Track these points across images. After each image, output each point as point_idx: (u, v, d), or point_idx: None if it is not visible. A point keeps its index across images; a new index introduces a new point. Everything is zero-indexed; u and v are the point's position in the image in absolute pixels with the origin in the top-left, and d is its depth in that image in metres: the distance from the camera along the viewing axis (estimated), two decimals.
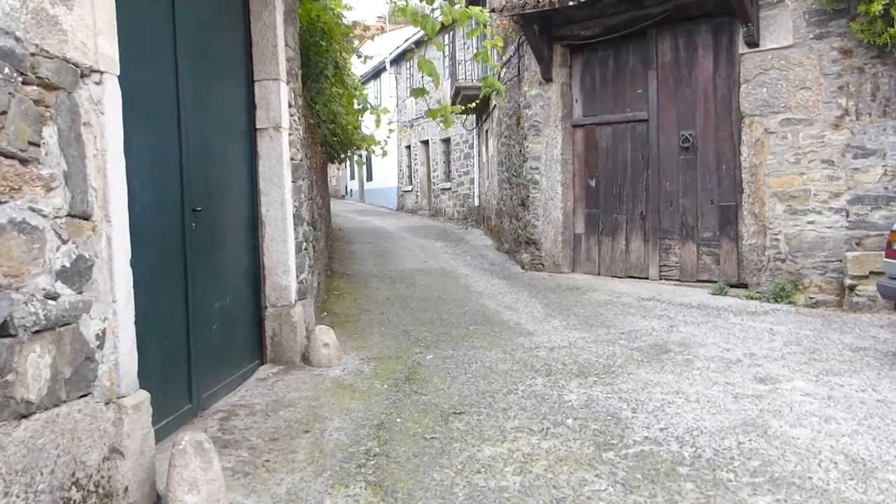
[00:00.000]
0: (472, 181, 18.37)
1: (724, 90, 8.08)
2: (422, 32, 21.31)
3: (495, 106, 13.59)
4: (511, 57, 11.34)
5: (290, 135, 5.36)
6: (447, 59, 18.98)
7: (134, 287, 2.83)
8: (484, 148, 16.43)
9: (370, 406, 4.23)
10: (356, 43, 9.46)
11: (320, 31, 6.74)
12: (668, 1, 8.31)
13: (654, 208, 8.84)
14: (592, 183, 9.63)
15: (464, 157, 19.20)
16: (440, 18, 6.24)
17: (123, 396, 2.72)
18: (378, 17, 33.33)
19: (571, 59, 9.73)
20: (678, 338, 5.89)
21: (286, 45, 5.33)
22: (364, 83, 31.51)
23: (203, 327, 4.16)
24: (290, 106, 5.44)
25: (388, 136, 12.68)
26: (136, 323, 2.84)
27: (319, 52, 6.97)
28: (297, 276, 5.49)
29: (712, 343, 5.66)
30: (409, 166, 25.24)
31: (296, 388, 4.63)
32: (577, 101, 9.75)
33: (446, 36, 18.63)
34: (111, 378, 2.67)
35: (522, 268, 10.29)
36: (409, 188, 25.25)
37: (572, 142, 9.82)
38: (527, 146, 10.06)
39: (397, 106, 26.09)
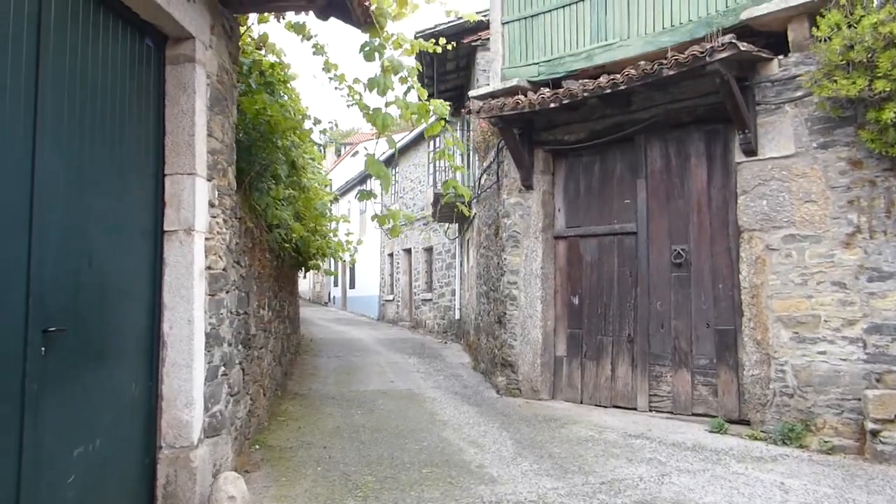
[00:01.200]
0: (453, 293, 17.60)
1: (720, 201, 7.42)
2: (410, 136, 21.14)
3: (475, 215, 12.98)
4: (491, 163, 10.79)
5: (208, 239, 4.57)
6: (431, 164, 18.60)
7: None
8: (465, 258, 15.76)
9: None
10: (323, 140, 8.84)
11: (264, 125, 6.07)
12: (657, 106, 7.78)
13: (643, 330, 8.00)
14: (575, 300, 8.83)
15: (446, 268, 18.51)
16: (397, 113, 5.60)
17: None
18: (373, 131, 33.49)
19: (554, 164, 9.14)
20: (671, 493, 4.91)
21: (210, 135, 4.62)
22: (350, 188, 31.35)
23: (48, 482, 3.21)
24: (211, 206, 4.67)
25: (357, 244, 11.96)
26: None
27: (266, 149, 6.29)
28: (208, 409, 4.56)
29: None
30: (392, 275, 24.54)
31: None
32: (559, 210, 9.10)
33: (431, 143, 18.33)
34: None
35: (497, 392, 9.33)
36: (391, 297, 24.44)
37: (554, 255, 9.09)
38: (505, 258, 9.32)
39: (381, 212, 25.65)
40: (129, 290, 4.01)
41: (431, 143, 17.81)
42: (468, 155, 15.44)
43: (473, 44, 12.29)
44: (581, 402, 8.59)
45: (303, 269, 12.16)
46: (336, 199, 12.26)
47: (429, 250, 20.39)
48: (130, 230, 4.04)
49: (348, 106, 5.89)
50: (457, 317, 17.05)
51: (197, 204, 4.36)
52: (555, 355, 8.99)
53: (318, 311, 30.56)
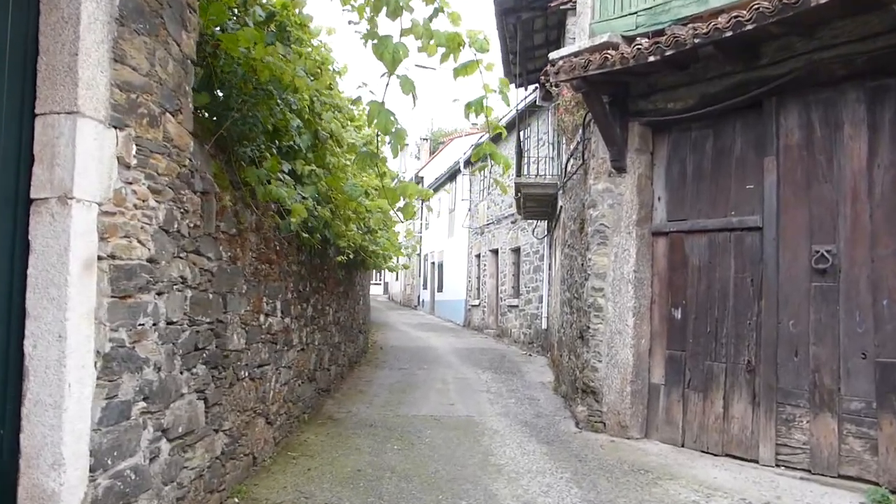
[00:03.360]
0: (540, 299, 15.84)
1: (888, 186, 5.44)
2: (490, 136, 19.53)
3: (562, 208, 11.22)
4: (577, 144, 9.04)
5: (109, 214, 3.11)
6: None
7: None
8: (553, 260, 13.98)
9: None
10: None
11: (259, 73, 4.58)
12: (796, 56, 5.86)
13: (768, 357, 6.09)
14: (677, 314, 6.98)
15: (533, 271, 16.77)
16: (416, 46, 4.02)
17: None
18: (472, 123, 32.16)
19: (654, 141, 7.32)
20: None
21: (121, 61, 3.17)
22: (440, 186, 30.01)
23: None
24: (125, 166, 3.22)
25: (412, 249, 10.42)
26: None
27: (261, 105, 4.83)
28: (108, 467, 3.11)
29: None
30: (478, 278, 22.95)
31: None
32: (659, 199, 7.27)
33: (521, 132, 16.63)
34: None
35: (576, 425, 7.59)
36: (477, 302, 22.86)
37: (651, 255, 7.27)
38: (589, 259, 7.56)
39: (469, 210, 24.17)
40: None
41: (522, 131, 16.12)
42: (556, 138, 13.70)
43: (563, 6, 10.53)
44: (682, 446, 6.74)
45: (356, 269, 10.76)
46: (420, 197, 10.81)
47: (516, 251, 18.69)
48: None
49: (362, 41, 4.33)
50: (543, 326, 15.30)
51: (79, 158, 2.90)
52: (649, 382, 7.17)
53: (404, 315, 29.38)
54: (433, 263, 31.12)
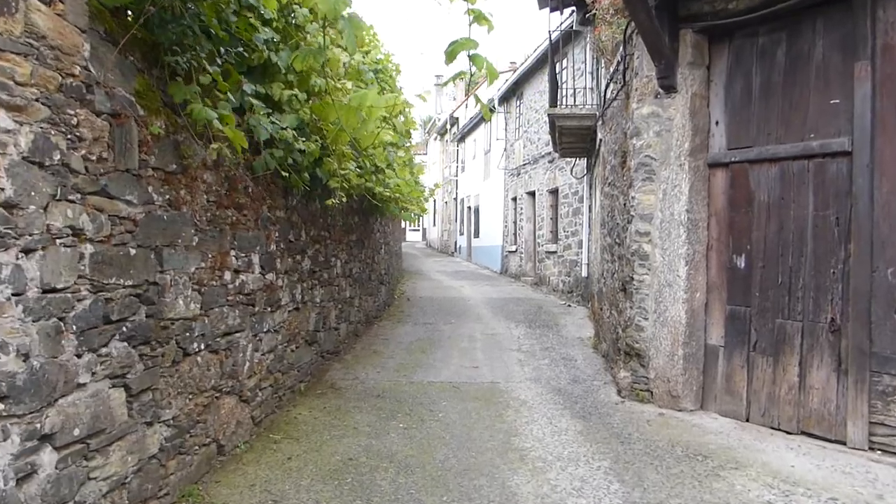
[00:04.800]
0: (580, 244, 14.66)
1: None
2: (534, 57, 18.10)
3: (601, 141, 9.97)
4: (618, 64, 7.78)
5: None
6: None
7: None
8: (594, 201, 12.76)
9: None
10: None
11: None
12: None
13: (859, 314, 4.93)
14: (740, 262, 5.83)
15: (572, 214, 15.55)
16: None
17: None
18: (510, 62, 30.60)
19: (710, 52, 6.06)
20: None
21: None
22: (474, 127, 28.66)
23: None
24: None
25: (430, 193, 9.30)
26: None
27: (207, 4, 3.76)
28: None
29: None
30: (515, 222, 21.76)
31: None
32: (717, 123, 6.05)
33: (559, 62, 15.23)
34: None
35: (619, 393, 6.54)
36: (514, 248, 21.72)
37: (707, 191, 6.09)
38: (633, 198, 6.40)
39: (505, 150, 22.90)
40: None
41: (556, 62, 14.73)
42: (595, 66, 12.35)
43: None
44: (746, 420, 5.67)
45: (371, 215, 9.71)
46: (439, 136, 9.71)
47: (554, 193, 17.42)
48: None
49: None
50: (583, 274, 14.16)
51: None
52: (705, 344, 6.06)
53: (439, 262, 28.39)
54: (469, 208, 29.96)
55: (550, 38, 12.18)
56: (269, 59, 4.94)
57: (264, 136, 4.84)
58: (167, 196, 3.74)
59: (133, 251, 3.38)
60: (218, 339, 4.46)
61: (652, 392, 6.25)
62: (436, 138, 40.67)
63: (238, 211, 4.80)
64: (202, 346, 4.20)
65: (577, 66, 14.72)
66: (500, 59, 56.21)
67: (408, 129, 11.47)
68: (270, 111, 5.10)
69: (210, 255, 4.31)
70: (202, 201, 4.19)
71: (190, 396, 4.04)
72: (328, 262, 7.65)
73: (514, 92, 21.59)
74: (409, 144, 11.23)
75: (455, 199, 33.89)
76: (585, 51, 14.19)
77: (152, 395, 3.59)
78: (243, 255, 4.92)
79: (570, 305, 14.11)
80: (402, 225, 27.15)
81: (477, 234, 28.29)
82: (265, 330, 5.43)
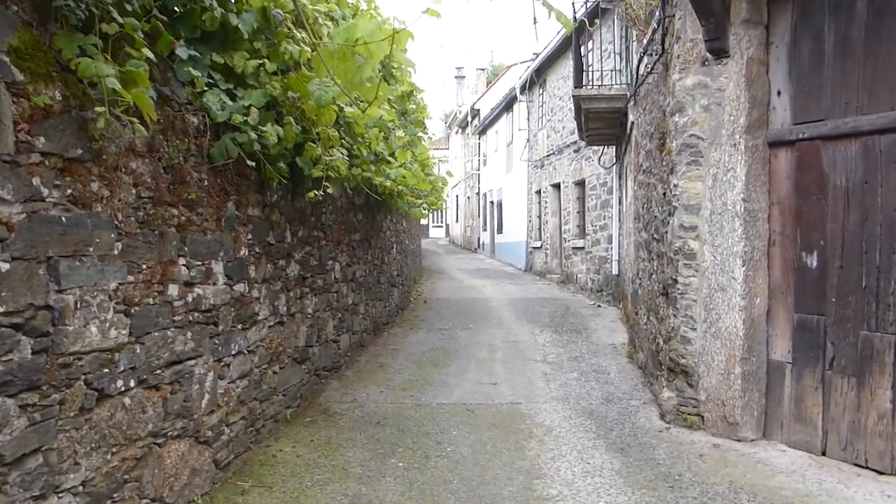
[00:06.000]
0: (609, 239, 13.63)
1: None
2: (557, 39, 17.02)
3: (633, 124, 8.94)
4: (654, 33, 6.78)
5: None
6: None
7: None
8: (624, 192, 11.72)
9: None
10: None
11: None
12: None
13: None
14: (811, 261, 4.82)
15: (601, 206, 14.50)
16: None
17: None
18: (533, 53, 29.52)
19: (770, 7, 5.05)
20: None
21: None
22: (496, 118, 27.64)
23: None
24: None
25: (443, 182, 8.33)
26: None
27: None
28: None
29: None
30: (539, 216, 20.71)
31: None
32: (779, 93, 5.03)
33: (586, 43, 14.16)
34: None
35: (662, 416, 5.56)
36: (538, 244, 20.67)
37: (768, 176, 5.09)
38: (675, 185, 5.41)
39: (528, 141, 21.87)
40: None
41: (582, 44, 13.67)
42: (624, 44, 11.32)
43: None
44: (822, 454, 4.67)
45: (380, 211, 8.78)
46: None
47: (580, 184, 16.36)
48: None
49: None
50: (614, 271, 13.12)
51: None
52: (768, 360, 5.07)
53: (461, 260, 27.42)
54: (492, 202, 28.92)
55: (575, 12, 11.14)
56: (229, 22, 4.03)
57: (221, 117, 3.95)
58: (69, 191, 2.83)
59: (5, 266, 2.47)
60: (159, 372, 3.55)
61: (702, 417, 5.26)
62: (457, 132, 39.69)
63: (189, 209, 3.89)
64: (132, 384, 3.29)
65: (604, 46, 13.67)
66: (522, 52, 55.18)
67: (420, 117, 10.55)
68: (233, 87, 4.21)
69: (144, 266, 3.40)
70: (129, 197, 3.28)
71: (113, 450, 3.13)
72: (323, 266, 6.73)
73: (536, 79, 20.51)
74: (420, 134, 10.26)
75: (477, 193, 32.91)
76: (613, 30, 13.14)
77: (44, 458, 2.68)
78: (199, 263, 4.01)
79: (599, 306, 13.09)
80: (424, 220, 26.23)
81: (500, 230, 27.27)
82: (234, 352, 4.52)
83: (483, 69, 42.50)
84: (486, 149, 31.38)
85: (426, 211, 9.99)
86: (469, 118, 33.95)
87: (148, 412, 3.44)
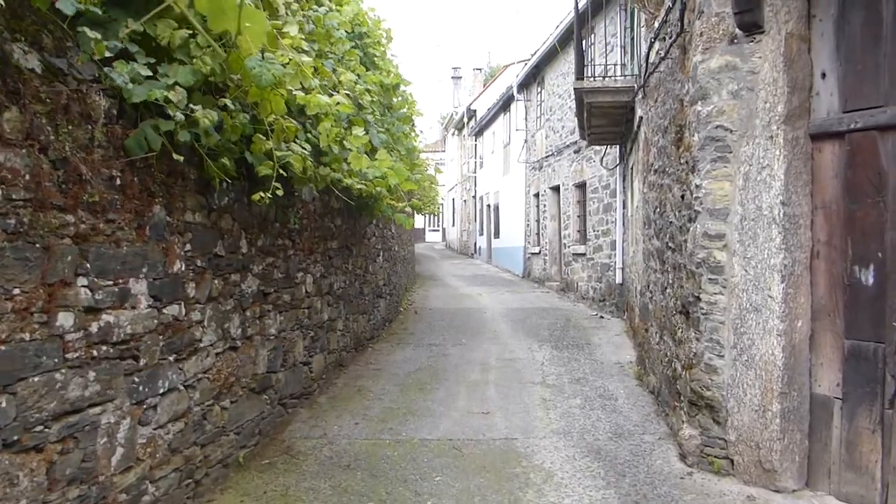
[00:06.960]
0: (612, 245, 12.82)
1: None
2: (557, 33, 16.21)
3: (641, 119, 8.12)
4: (668, 12, 5.97)
5: None
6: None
7: None
8: (629, 195, 10.91)
9: None
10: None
11: None
12: None
13: None
14: (865, 277, 4.01)
15: (603, 210, 13.69)
16: None
17: None
18: (531, 53, 28.79)
19: None
20: None
21: None
22: (493, 118, 26.86)
23: None
24: None
25: (431, 180, 7.51)
26: None
27: None
28: None
29: None
30: (538, 221, 19.89)
31: None
32: (824, 75, 4.23)
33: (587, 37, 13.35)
34: None
35: (682, 459, 4.74)
36: (537, 250, 19.85)
37: (811, 174, 4.28)
38: (697, 186, 4.60)
39: (525, 142, 21.09)
40: None
41: (584, 38, 12.86)
42: (630, 35, 10.52)
43: None
44: None
45: (361, 215, 7.96)
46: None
47: (581, 187, 15.54)
48: None
49: None
50: (618, 280, 12.31)
51: None
52: (811, 394, 4.26)
53: (457, 265, 26.58)
54: (488, 206, 28.10)
55: (577, 1, 10.33)
56: None
57: (136, 97, 3.13)
58: None
59: None
60: (42, 428, 2.74)
61: (732, 461, 4.45)
62: (454, 134, 38.89)
63: (94, 215, 3.07)
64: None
65: (607, 39, 12.87)
66: (520, 52, 54.45)
67: (408, 112, 9.75)
68: (156, 62, 3.39)
69: (16, 291, 2.59)
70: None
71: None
72: (291, 279, 5.91)
73: (534, 77, 19.71)
74: (408, 130, 9.46)
75: (474, 196, 32.12)
76: (616, 22, 12.37)
77: None
78: (109, 283, 3.19)
79: (602, 317, 12.26)
80: (419, 224, 25.37)
81: (497, 235, 26.46)
82: (163, 390, 3.70)
83: (480, 69, 41.80)
84: (482, 150, 30.60)
85: (409, 216, 9.16)
86: (465, 119, 33.17)
87: (22, 484, 2.62)
